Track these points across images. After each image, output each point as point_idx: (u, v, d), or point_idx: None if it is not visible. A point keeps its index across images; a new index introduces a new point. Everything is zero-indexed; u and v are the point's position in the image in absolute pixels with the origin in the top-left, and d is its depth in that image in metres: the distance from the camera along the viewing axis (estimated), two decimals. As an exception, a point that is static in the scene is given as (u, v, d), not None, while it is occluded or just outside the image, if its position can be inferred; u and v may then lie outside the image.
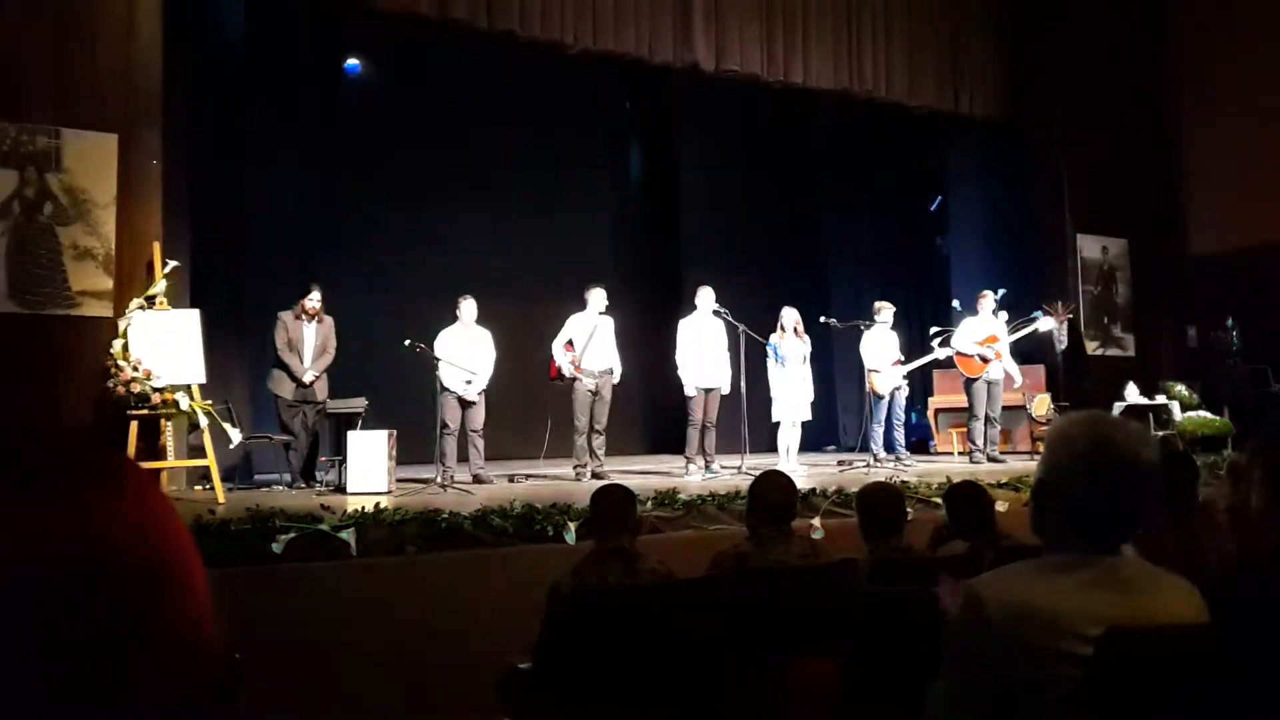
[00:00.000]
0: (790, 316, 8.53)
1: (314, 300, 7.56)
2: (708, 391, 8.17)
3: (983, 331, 9.11)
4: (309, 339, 7.58)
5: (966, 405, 9.26)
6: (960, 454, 9.81)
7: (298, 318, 7.55)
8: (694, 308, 8.30)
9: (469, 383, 7.65)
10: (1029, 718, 1.64)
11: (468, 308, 7.84)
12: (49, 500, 0.52)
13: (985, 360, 9.00)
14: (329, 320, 7.68)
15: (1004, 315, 10.10)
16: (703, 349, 8.14)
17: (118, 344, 6.33)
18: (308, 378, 7.49)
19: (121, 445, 5.95)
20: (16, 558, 0.50)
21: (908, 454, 8.95)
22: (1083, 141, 10.86)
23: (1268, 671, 1.73)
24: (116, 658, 0.51)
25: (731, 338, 8.22)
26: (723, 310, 8.20)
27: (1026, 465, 8.38)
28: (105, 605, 0.51)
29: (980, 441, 9.07)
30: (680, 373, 8.21)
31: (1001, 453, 9.58)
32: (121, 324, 6.39)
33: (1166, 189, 11.49)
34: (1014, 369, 9.23)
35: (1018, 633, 1.65)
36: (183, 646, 0.54)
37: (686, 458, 8.20)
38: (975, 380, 9.05)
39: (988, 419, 9.10)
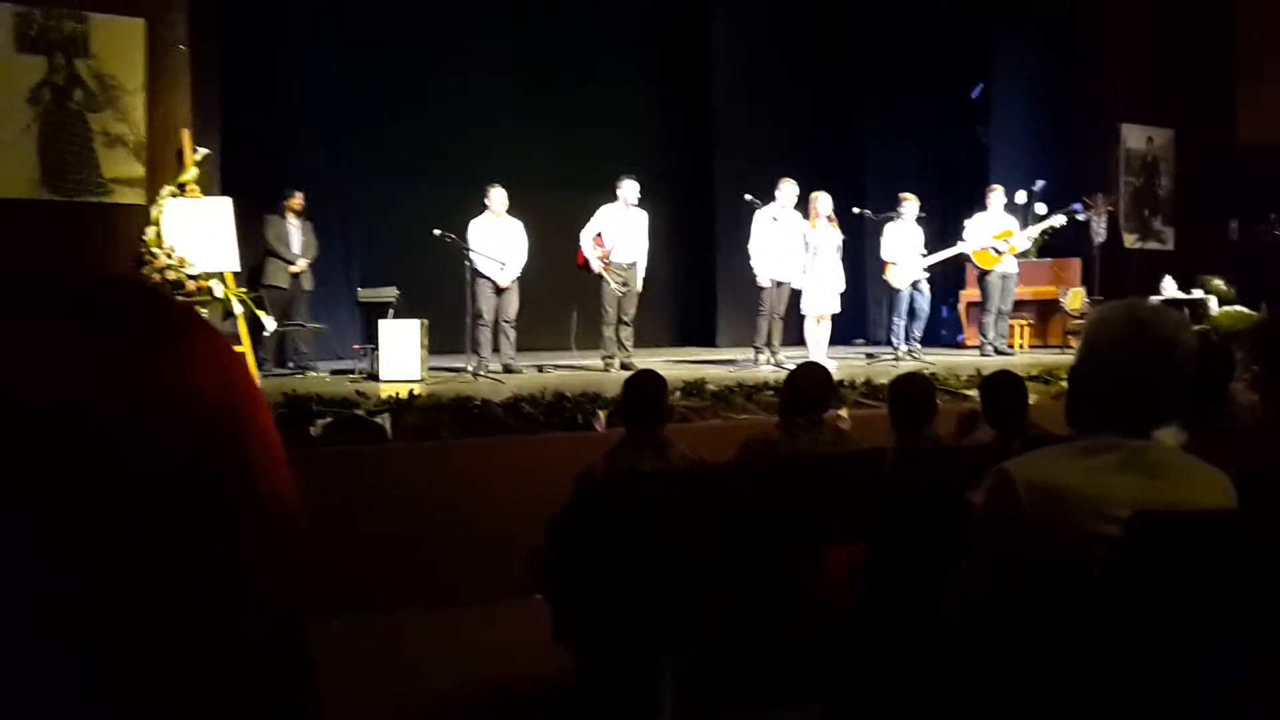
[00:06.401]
0: (824, 203, 8.20)
1: (298, 197, 8.15)
2: (779, 285, 8.14)
3: (997, 226, 9.14)
4: (295, 235, 8.12)
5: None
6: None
7: (282, 216, 8.10)
8: (772, 199, 8.18)
9: (502, 267, 7.66)
10: (1058, 596, 1.67)
11: (497, 196, 7.78)
12: (132, 346, 0.52)
13: (999, 253, 9.03)
14: (309, 221, 8.26)
15: (1043, 207, 9.94)
16: (778, 242, 8.08)
17: (151, 231, 6.36)
18: (297, 267, 8.07)
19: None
20: (101, 405, 0.50)
21: (920, 348, 8.91)
22: (1133, 27, 10.44)
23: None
24: (207, 508, 0.52)
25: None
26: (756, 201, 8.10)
27: (1057, 358, 8.33)
28: (193, 452, 0.52)
29: (990, 334, 9.12)
30: (752, 263, 8.18)
31: (1032, 346, 9.53)
32: (154, 211, 6.42)
33: (1217, 79, 11.06)
34: (1027, 236, 9.48)
35: (1046, 512, 1.68)
36: (270, 496, 0.55)
37: (755, 348, 8.24)
38: (989, 273, 9.12)
39: (999, 312, 9.18)
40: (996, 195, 9.31)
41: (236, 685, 0.53)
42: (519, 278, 7.77)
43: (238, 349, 6.51)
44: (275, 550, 0.55)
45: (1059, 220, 9.58)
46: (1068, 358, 8.22)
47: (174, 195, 6.47)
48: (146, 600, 0.50)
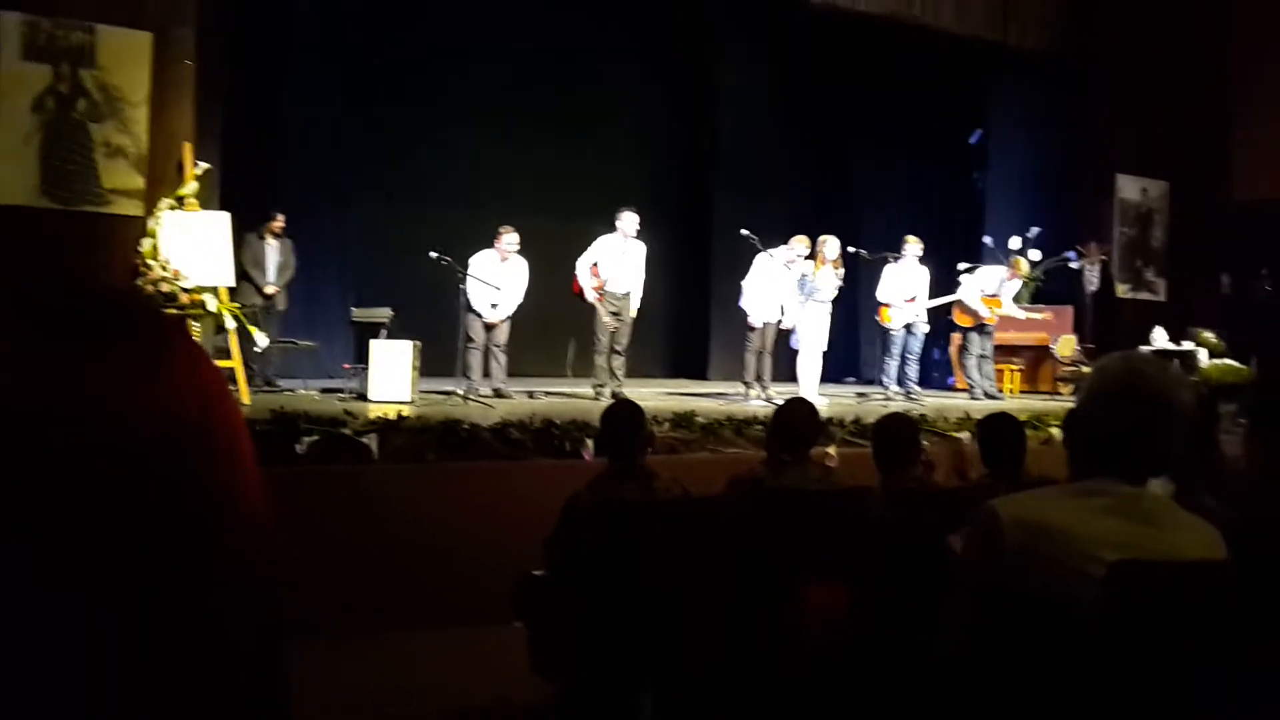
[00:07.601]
0: (832, 248, 8.19)
1: (279, 220, 8.11)
2: (766, 324, 8.30)
3: (995, 289, 9.25)
4: (271, 256, 8.09)
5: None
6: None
7: (261, 237, 8.02)
8: (774, 243, 8.25)
9: (494, 306, 7.67)
10: (1040, 634, 1.67)
11: (509, 240, 7.78)
12: (113, 355, 0.53)
13: (979, 318, 9.15)
14: (289, 241, 8.19)
15: (1037, 254, 10.01)
16: (772, 287, 8.21)
17: (147, 243, 6.36)
18: (269, 289, 7.99)
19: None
20: (81, 411, 0.50)
21: (918, 390, 8.93)
22: (1131, 79, 10.57)
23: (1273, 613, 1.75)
24: (178, 512, 0.52)
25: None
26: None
27: (1047, 404, 8.35)
28: (166, 459, 0.52)
29: (976, 377, 9.17)
30: (743, 301, 8.31)
31: (1023, 392, 9.55)
32: (151, 223, 6.42)
33: (1213, 133, 11.19)
34: (1015, 312, 9.48)
35: (1029, 547, 1.68)
36: (241, 504, 0.55)
37: (745, 382, 8.33)
38: (969, 329, 9.26)
39: (980, 357, 9.32)
40: (1021, 265, 9.41)
41: (206, 689, 0.53)
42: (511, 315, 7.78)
43: (228, 363, 6.50)
44: (246, 557, 0.55)
45: (1039, 313, 9.83)
46: (1057, 404, 8.26)
47: (172, 208, 6.48)
48: (118, 604, 0.50)
